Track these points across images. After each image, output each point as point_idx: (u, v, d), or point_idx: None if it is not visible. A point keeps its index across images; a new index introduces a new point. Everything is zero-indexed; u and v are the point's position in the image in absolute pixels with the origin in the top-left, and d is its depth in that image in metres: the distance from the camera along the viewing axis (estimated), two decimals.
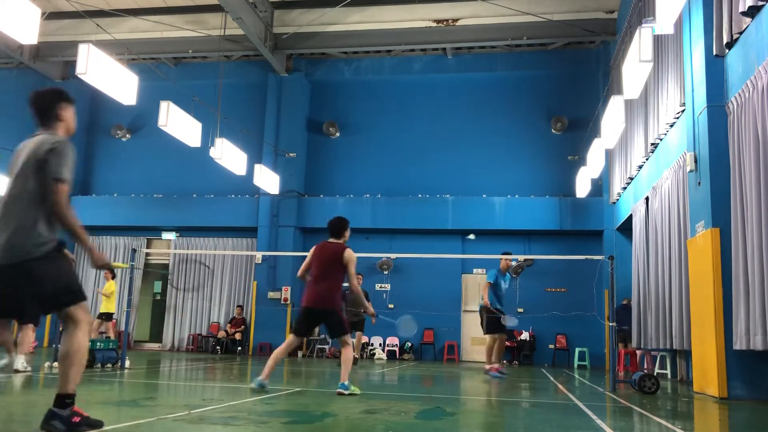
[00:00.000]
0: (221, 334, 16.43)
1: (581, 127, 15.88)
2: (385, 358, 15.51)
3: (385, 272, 16.22)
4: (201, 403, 5.05)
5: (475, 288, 16.38)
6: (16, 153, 3.64)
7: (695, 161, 8.24)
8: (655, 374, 9.03)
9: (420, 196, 16.29)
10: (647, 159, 11.49)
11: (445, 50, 16.98)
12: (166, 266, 17.97)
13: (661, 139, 10.45)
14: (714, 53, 7.85)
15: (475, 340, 16.13)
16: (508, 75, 16.95)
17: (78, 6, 13.70)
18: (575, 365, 14.86)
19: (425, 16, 16.11)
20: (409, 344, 15.82)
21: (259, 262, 16.66)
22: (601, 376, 11.56)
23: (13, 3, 7.51)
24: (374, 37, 16.37)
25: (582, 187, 14.41)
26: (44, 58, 17.57)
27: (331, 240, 6.48)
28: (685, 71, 8.68)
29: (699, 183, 8.11)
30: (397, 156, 16.93)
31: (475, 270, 16.42)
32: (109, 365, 8.94)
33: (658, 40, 10.25)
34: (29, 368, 7.74)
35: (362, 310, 6.73)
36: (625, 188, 13.72)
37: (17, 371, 7.48)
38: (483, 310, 9.83)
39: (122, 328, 16.54)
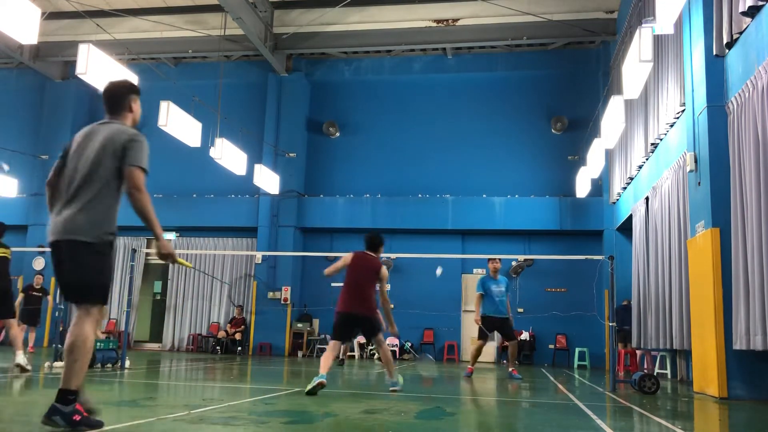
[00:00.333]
0: (221, 334, 16.43)
1: (581, 127, 15.88)
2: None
3: None
4: (201, 403, 5.05)
5: (475, 288, 16.36)
6: (84, 135, 3.78)
7: (695, 161, 8.24)
8: (655, 374, 9.03)
9: (420, 196, 16.29)
10: (647, 159, 11.49)
11: (445, 50, 16.98)
12: (166, 266, 17.96)
13: (661, 139, 10.45)
14: (714, 53, 7.85)
15: (474, 341, 16.12)
16: (508, 75, 16.95)
17: (78, 6, 13.70)
18: (575, 365, 14.86)
19: (425, 16, 16.11)
20: (409, 344, 15.81)
21: (259, 262, 16.66)
22: (601, 376, 11.56)
23: (13, 3, 7.50)
24: (374, 37, 16.38)
25: (582, 187, 14.41)
26: (44, 58, 17.56)
27: (369, 252, 6.84)
28: (685, 71, 8.68)
29: (699, 183, 8.11)
30: (397, 156, 16.93)
31: (475, 270, 16.41)
32: (109, 365, 8.93)
33: (658, 40, 10.25)
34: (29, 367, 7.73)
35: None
36: (625, 188, 13.72)
37: (21, 368, 7.45)
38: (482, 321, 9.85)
39: (122, 328, 16.53)
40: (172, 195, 17.35)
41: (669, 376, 11.20)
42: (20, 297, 13.57)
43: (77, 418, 3.34)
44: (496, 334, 10.37)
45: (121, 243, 18.03)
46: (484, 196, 16.13)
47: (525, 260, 15.75)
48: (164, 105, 11.16)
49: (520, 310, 15.93)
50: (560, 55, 16.70)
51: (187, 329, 17.21)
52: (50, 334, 16.56)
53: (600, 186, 15.47)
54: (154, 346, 17.50)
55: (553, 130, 16.50)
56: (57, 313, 9.95)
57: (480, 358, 15.84)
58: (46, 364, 8.70)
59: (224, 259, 17.40)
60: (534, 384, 8.94)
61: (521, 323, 15.79)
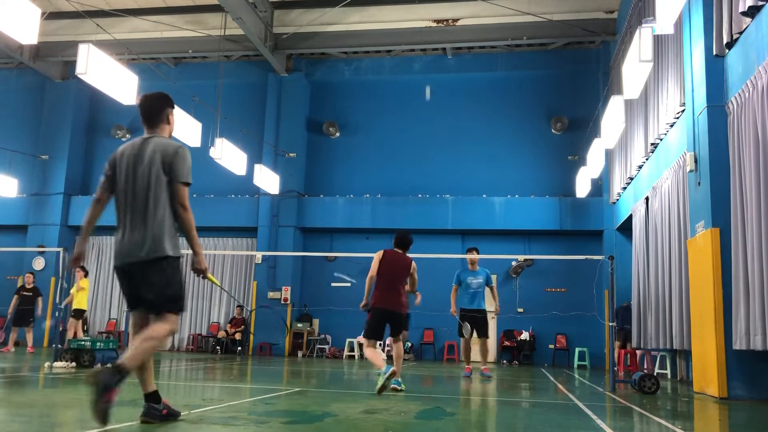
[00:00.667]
0: (221, 334, 16.43)
1: (581, 127, 15.88)
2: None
3: None
4: (201, 403, 5.05)
5: None
6: (131, 153, 3.89)
7: (695, 161, 8.24)
8: (655, 374, 9.03)
9: (420, 196, 16.29)
10: (647, 159, 11.49)
11: (445, 50, 16.98)
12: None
13: (661, 139, 10.45)
14: (714, 53, 7.84)
15: (475, 341, 16.12)
16: (508, 75, 16.95)
17: (78, 6, 13.70)
18: (575, 365, 14.86)
19: (425, 16, 16.11)
20: (410, 344, 15.82)
21: (259, 262, 16.66)
22: (601, 376, 11.56)
23: (13, 3, 7.50)
24: (374, 37, 16.37)
25: (582, 187, 14.41)
26: (44, 58, 17.56)
27: (399, 251, 7.04)
28: (685, 71, 8.68)
29: (699, 183, 8.11)
30: (397, 156, 16.93)
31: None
32: (109, 365, 8.93)
33: (658, 40, 10.24)
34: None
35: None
36: (625, 188, 13.72)
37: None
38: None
39: (122, 328, 16.53)
40: None
41: (669, 376, 11.20)
42: (15, 299, 13.58)
43: (166, 412, 3.89)
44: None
45: None
46: (484, 196, 16.13)
47: (525, 260, 15.75)
48: None
49: (520, 310, 15.94)
50: (560, 55, 16.70)
51: (187, 329, 17.21)
52: (50, 334, 16.56)
53: (600, 186, 15.47)
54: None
55: (553, 130, 16.50)
56: (57, 313, 9.95)
57: (480, 358, 15.95)
58: (46, 364, 8.71)
59: (224, 259, 17.40)
60: (534, 384, 8.94)
61: (521, 323, 15.80)
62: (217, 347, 16.17)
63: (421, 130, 17.03)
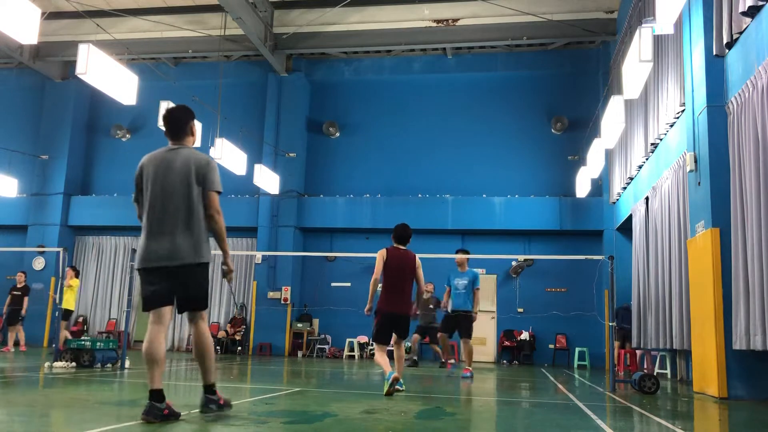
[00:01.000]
0: (221, 334, 16.43)
1: (581, 127, 15.88)
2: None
3: None
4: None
5: None
6: (159, 164, 4.14)
7: (695, 161, 8.24)
8: (655, 374, 9.03)
9: (420, 196, 16.29)
10: (647, 159, 11.49)
11: (445, 50, 16.98)
12: None
13: (661, 139, 10.45)
14: (714, 53, 7.84)
15: (475, 340, 16.11)
16: (508, 75, 16.94)
17: (78, 6, 13.70)
18: (575, 365, 14.86)
19: (425, 16, 16.11)
20: (409, 344, 15.81)
21: (259, 262, 16.66)
22: (601, 376, 11.56)
23: (13, 3, 7.50)
24: (374, 37, 16.37)
25: (582, 187, 14.41)
26: (44, 58, 17.56)
27: (400, 247, 6.76)
28: (685, 71, 8.68)
29: (699, 183, 8.11)
30: (397, 156, 16.93)
31: (475, 270, 16.39)
32: (110, 365, 8.93)
33: (658, 40, 10.24)
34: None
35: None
36: (625, 188, 13.72)
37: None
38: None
39: (122, 327, 16.53)
40: None
41: (669, 376, 11.20)
42: (8, 299, 13.59)
43: (222, 402, 4.30)
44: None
45: (122, 243, 18.05)
46: (484, 196, 16.12)
47: (525, 260, 15.75)
48: (164, 105, 11.12)
49: (520, 310, 15.94)
50: (560, 55, 16.69)
51: (187, 329, 17.20)
52: (50, 334, 16.55)
53: (600, 186, 15.47)
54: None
55: (553, 130, 16.50)
56: (57, 313, 9.95)
57: (480, 358, 16.00)
58: (46, 364, 8.71)
59: None
60: (534, 384, 8.94)
61: (521, 323, 15.80)
62: (217, 347, 16.17)
63: (421, 130, 17.03)
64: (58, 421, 4.07)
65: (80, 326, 17.32)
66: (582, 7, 15.23)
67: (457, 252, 10.29)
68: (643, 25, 7.51)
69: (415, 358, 13.03)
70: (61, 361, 8.62)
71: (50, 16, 15.64)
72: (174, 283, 4.08)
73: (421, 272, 6.80)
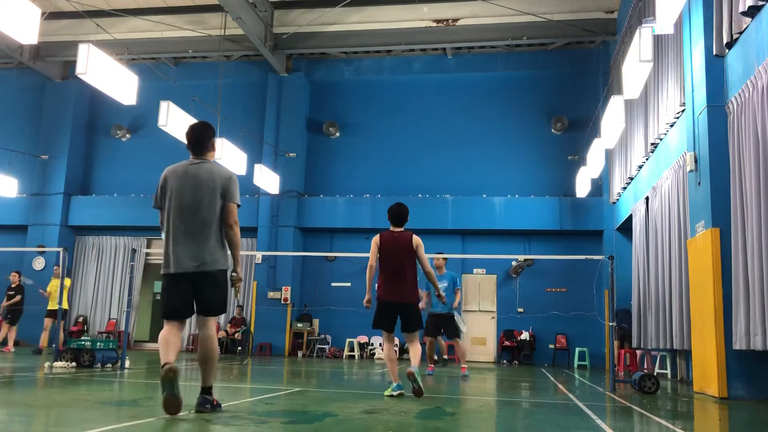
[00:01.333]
0: (221, 334, 16.42)
1: (581, 127, 15.88)
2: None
3: None
4: None
5: (476, 288, 16.40)
6: (183, 177, 4.42)
7: (695, 161, 8.24)
8: (655, 374, 9.03)
9: (420, 196, 16.29)
10: (647, 159, 11.49)
11: (445, 50, 16.98)
12: None
13: (661, 139, 10.45)
14: (714, 53, 7.84)
15: (475, 340, 16.14)
16: (508, 75, 16.94)
17: (78, 6, 13.70)
18: (575, 365, 14.86)
19: (425, 16, 16.11)
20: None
21: (259, 262, 16.66)
22: (601, 376, 11.56)
23: (13, 3, 7.50)
24: (374, 37, 16.37)
25: (582, 187, 14.42)
26: (44, 58, 17.56)
27: (396, 229, 6.30)
28: (685, 71, 8.68)
29: (699, 183, 8.11)
30: (397, 156, 16.93)
31: (475, 270, 16.42)
32: (109, 365, 8.93)
33: (658, 40, 10.25)
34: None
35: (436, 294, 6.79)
36: (625, 188, 13.73)
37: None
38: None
39: (122, 327, 16.54)
40: None
41: (669, 376, 11.20)
42: (5, 299, 13.58)
43: (216, 403, 4.46)
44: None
45: (121, 243, 18.05)
46: (484, 196, 16.13)
47: (525, 260, 15.75)
48: (164, 105, 11.15)
49: (520, 310, 15.94)
50: (560, 55, 16.70)
51: (186, 329, 17.19)
52: (50, 334, 16.54)
53: (600, 186, 15.47)
54: (154, 345, 17.48)
55: (553, 130, 16.50)
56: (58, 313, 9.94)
57: (480, 358, 16.02)
58: (46, 364, 8.71)
59: None
60: (534, 384, 8.94)
61: (521, 323, 15.80)
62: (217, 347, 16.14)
63: (421, 130, 17.03)
64: (58, 421, 4.07)
65: (80, 326, 17.32)
66: (582, 7, 15.23)
67: (436, 255, 10.22)
68: (643, 25, 7.51)
69: (445, 357, 12.83)
70: (61, 361, 8.63)
71: (50, 16, 15.63)
72: (197, 289, 4.35)
73: (423, 253, 6.25)
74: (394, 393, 5.93)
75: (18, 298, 13.54)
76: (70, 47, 16.16)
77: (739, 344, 6.97)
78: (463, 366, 9.82)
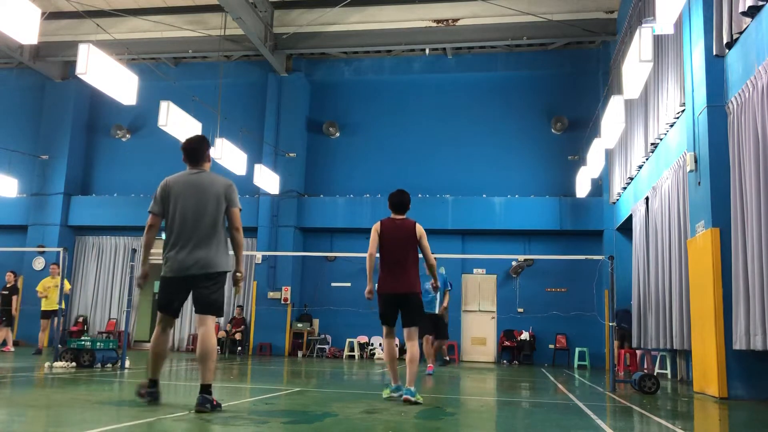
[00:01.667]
0: (221, 334, 16.43)
1: (581, 127, 15.89)
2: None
3: None
4: None
5: (475, 288, 16.40)
6: (185, 185, 4.67)
7: (695, 161, 8.24)
8: (655, 374, 9.04)
9: (420, 196, 16.28)
10: (647, 159, 11.49)
11: (445, 50, 16.98)
12: None
13: (661, 139, 10.45)
14: (714, 53, 7.85)
15: (475, 340, 16.15)
16: (508, 75, 16.94)
17: (78, 6, 13.70)
18: (575, 365, 14.86)
19: (425, 16, 16.11)
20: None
21: (259, 262, 16.66)
22: (601, 376, 11.56)
23: (13, 3, 7.50)
24: (374, 37, 16.37)
25: (582, 187, 14.42)
26: (44, 58, 17.56)
27: (397, 216, 5.95)
28: (685, 71, 8.68)
29: (699, 183, 8.11)
30: (397, 156, 16.93)
31: (475, 270, 16.42)
32: (109, 365, 8.94)
33: (658, 40, 10.25)
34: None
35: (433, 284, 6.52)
36: (625, 188, 13.73)
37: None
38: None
39: (122, 327, 16.54)
40: None
41: (669, 376, 11.20)
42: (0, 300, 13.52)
43: (215, 402, 4.51)
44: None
45: (121, 243, 18.05)
46: (484, 196, 16.13)
47: (525, 260, 15.76)
48: (164, 105, 11.15)
49: (520, 310, 15.94)
50: (560, 55, 16.70)
51: (186, 329, 17.21)
52: (50, 334, 16.53)
53: (600, 186, 15.47)
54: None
55: (553, 130, 16.50)
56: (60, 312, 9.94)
57: (480, 358, 16.02)
58: (46, 364, 8.71)
59: None
60: (534, 384, 8.95)
61: (521, 323, 15.80)
62: (217, 347, 16.14)
63: (421, 130, 17.03)
64: (57, 421, 4.07)
65: (80, 326, 17.32)
66: (582, 7, 15.23)
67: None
68: (643, 25, 7.51)
69: (446, 358, 12.96)
70: (61, 361, 8.63)
71: (50, 16, 15.64)
72: (196, 289, 4.59)
73: (426, 243, 5.91)
74: (394, 395, 5.70)
75: (14, 298, 13.48)
76: (70, 47, 16.16)
77: (739, 344, 6.97)
78: (430, 365, 10.03)
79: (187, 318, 17.26)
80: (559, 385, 8.57)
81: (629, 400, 6.76)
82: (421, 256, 5.95)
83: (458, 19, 16.00)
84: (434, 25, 16.13)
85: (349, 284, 16.46)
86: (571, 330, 15.46)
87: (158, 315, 4.73)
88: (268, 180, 15.29)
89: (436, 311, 10.22)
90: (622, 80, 8.71)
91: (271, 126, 17.10)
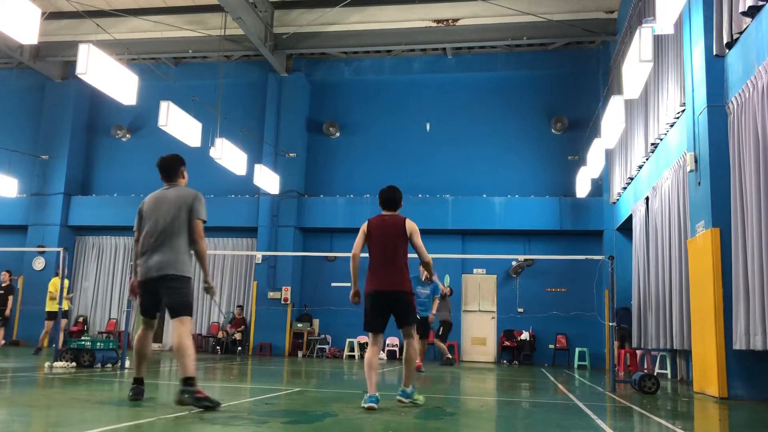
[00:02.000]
0: (221, 334, 16.43)
1: (581, 127, 15.88)
2: (385, 358, 15.52)
3: None
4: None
5: (475, 288, 16.40)
6: (156, 198, 5.03)
7: (695, 161, 8.24)
8: (655, 374, 9.04)
9: (420, 196, 16.29)
10: (647, 159, 11.49)
11: (445, 50, 16.98)
12: None
13: (661, 139, 10.45)
14: (714, 53, 7.85)
15: (475, 340, 16.14)
16: (508, 75, 16.94)
17: (78, 6, 13.70)
18: (575, 365, 14.86)
19: (425, 16, 16.11)
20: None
21: (259, 262, 16.66)
22: (601, 376, 11.56)
23: (13, 3, 7.50)
24: (374, 37, 16.37)
25: (582, 187, 14.42)
26: (44, 58, 17.56)
27: (387, 213, 5.59)
28: (685, 71, 8.68)
29: (699, 183, 8.11)
30: (397, 156, 16.92)
31: (475, 270, 16.42)
32: (110, 365, 8.94)
33: (658, 40, 10.25)
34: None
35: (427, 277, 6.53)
36: (625, 188, 13.72)
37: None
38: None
39: (122, 328, 16.53)
40: None
41: (669, 376, 11.20)
42: None
43: (200, 395, 4.55)
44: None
45: (121, 243, 18.05)
46: (484, 196, 16.13)
47: (525, 260, 15.75)
48: (164, 105, 11.15)
49: (520, 310, 15.94)
50: (560, 55, 16.70)
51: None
52: (51, 334, 16.53)
53: (600, 186, 15.47)
54: (155, 346, 17.47)
55: (553, 130, 16.50)
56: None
57: (480, 358, 16.02)
58: (47, 364, 8.71)
59: (224, 259, 17.40)
60: (534, 384, 8.94)
61: (521, 323, 15.80)
62: (217, 347, 16.17)
63: (421, 130, 17.03)
64: (58, 421, 4.07)
65: (80, 326, 17.31)
66: (582, 7, 15.23)
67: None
68: (643, 25, 7.51)
69: (448, 356, 13.25)
70: (61, 361, 8.63)
71: (50, 16, 15.63)
72: (162, 292, 4.86)
73: (419, 240, 5.41)
74: (365, 405, 4.94)
75: (10, 298, 13.43)
76: (70, 47, 16.16)
77: (739, 344, 6.97)
78: (418, 362, 10.50)
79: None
80: (559, 385, 8.56)
81: (629, 400, 6.76)
82: (415, 255, 5.50)
83: (458, 19, 16.00)
84: (434, 25, 16.13)
85: (349, 284, 16.42)
86: (571, 330, 15.46)
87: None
88: (268, 180, 15.29)
89: (427, 315, 11.00)
90: (622, 80, 8.71)
91: (271, 126, 17.10)
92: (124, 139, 18.36)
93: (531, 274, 16.07)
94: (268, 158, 16.61)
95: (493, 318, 16.20)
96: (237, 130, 15.58)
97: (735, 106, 7.42)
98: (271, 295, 16.32)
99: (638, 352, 12.50)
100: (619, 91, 10.76)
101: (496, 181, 16.29)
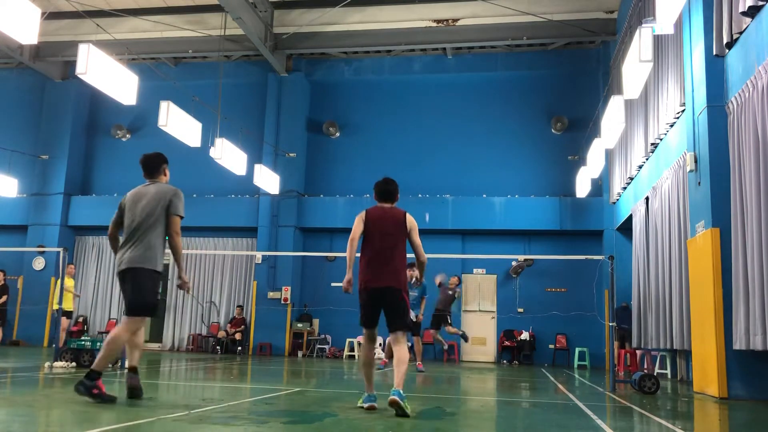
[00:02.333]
0: (221, 334, 16.43)
1: (581, 127, 15.88)
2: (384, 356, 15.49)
3: None
4: (201, 403, 5.05)
5: (476, 288, 16.40)
6: (136, 194, 5.11)
7: (695, 161, 8.24)
8: (655, 374, 9.04)
9: (420, 196, 16.29)
10: (647, 159, 11.49)
11: (445, 50, 16.98)
12: (166, 266, 17.94)
13: (661, 139, 10.45)
14: (714, 53, 7.85)
15: (475, 340, 16.13)
16: (508, 75, 16.94)
17: (78, 6, 13.70)
18: (575, 365, 14.86)
19: (425, 16, 16.11)
20: (409, 344, 15.79)
21: (259, 262, 16.66)
22: (601, 376, 11.56)
23: (13, 3, 7.50)
24: (374, 37, 16.37)
25: (582, 187, 14.42)
26: (44, 58, 17.56)
27: (386, 204, 5.36)
28: (685, 71, 8.68)
29: (699, 183, 8.11)
30: (397, 156, 16.92)
31: (475, 270, 16.42)
32: (109, 365, 8.92)
33: (658, 40, 10.25)
34: None
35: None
36: (625, 188, 13.73)
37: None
38: None
39: None
40: None
41: (669, 376, 11.20)
42: None
43: (95, 391, 4.64)
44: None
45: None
46: (484, 196, 16.13)
47: (525, 260, 15.75)
48: (164, 105, 11.15)
49: (520, 310, 15.94)
50: (560, 55, 16.69)
51: (187, 329, 17.21)
52: (50, 333, 16.55)
53: (600, 186, 15.47)
54: (154, 346, 17.48)
55: (553, 130, 16.50)
56: (55, 314, 9.94)
57: (480, 358, 16.02)
58: (46, 364, 8.71)
59: (224, 259, 17.39)
60: (534, 384, 8.95)
61: (521, 323, 15.80)
62: (217, 347, 16.17)
63: (421, 130, 17.03)
64: (58, 421, 4.07)
65: (80, 326, 17.31)
66: (582, 7, 15.23)
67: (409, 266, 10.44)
68: (643, 25, 7.51)
69: (462, 331, 13.12)
70: (61, 361, 8.62)
71: (50, 16, 15.62)
72: (125, 285, 4.96)
73: (417, 238, 5.27)
74: (364, 405, 4.91)
75: (4, 298, 13.40)
76: (70, 47, 16.16)
77: (739, 344, 6.97)
78: (419, 363, 11.00)
79: (187, 318, 17.27)
80: (559, 385, 8.56)
81: (629, 400, 6.76)
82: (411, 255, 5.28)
83: (458, 19, 16.00)
84: (434, 25, 16.13)
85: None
86: (571, 330, 15.46)
87: None
88: (268, 180, 15.29)
89: (417, 314, 11.05)
90: (622, 80, 8.71)
91: (271, 126, 17.10)
92: (124, 139, 18.36)
93: (531, 274, 16.06)
94: (268, 158, 16.61)
95: (493, 318, 16.20)
96: (237, 130, 15.58)
97: (735, 106, 7.42)
98: (271, 295, 16.32)
99: (638, 352, 12.50)
100: (619, 91, 10.76)
101: (496, 181, 16.29)
